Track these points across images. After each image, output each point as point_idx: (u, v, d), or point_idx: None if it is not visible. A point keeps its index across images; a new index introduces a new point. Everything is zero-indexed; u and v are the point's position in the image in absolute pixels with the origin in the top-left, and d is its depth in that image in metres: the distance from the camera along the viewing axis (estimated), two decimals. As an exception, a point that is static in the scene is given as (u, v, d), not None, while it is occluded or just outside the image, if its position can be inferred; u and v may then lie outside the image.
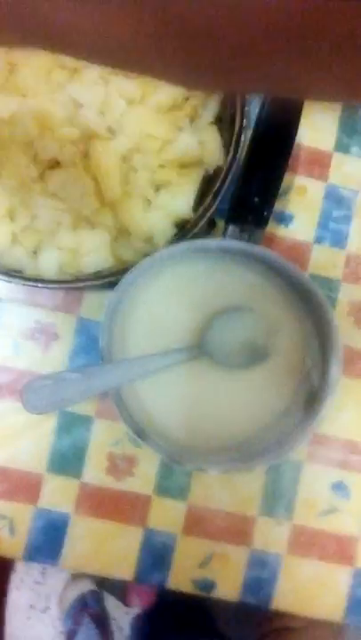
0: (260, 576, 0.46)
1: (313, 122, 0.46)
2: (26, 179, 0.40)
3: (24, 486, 0.45)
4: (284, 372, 0.42)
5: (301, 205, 0.47)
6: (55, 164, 0.41)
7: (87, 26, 0.20)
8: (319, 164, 0.47)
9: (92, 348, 0.46)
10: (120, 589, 1.03)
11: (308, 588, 0.46)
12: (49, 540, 0.45)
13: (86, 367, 0.37)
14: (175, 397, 0.41)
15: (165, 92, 0.41)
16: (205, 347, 0.40)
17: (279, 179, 0.40)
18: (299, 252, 0.47)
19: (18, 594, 1.07)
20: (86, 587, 1.04)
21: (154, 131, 0.40)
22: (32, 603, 1.10)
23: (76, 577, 1.05)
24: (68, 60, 0.39)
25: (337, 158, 0.47)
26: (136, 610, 1.02)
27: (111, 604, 1.06)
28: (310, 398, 0.40)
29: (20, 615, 1.08)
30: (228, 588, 0.46)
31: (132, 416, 0.38)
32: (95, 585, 1.04)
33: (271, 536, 0.46)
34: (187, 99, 0.42)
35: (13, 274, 0.40)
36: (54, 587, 1.08)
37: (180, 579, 0.46)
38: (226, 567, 0.46)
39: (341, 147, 0.47)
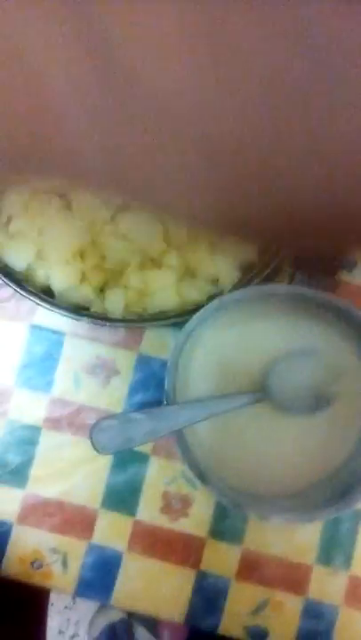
0: (316, 628, 0.45)
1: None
2: (98, 220, 0.41)
3: (78, 521, 0.45)
4: (349, 419, 0.41)
5: (366, 250, 0.47)
6: (126, 207, 0.42)
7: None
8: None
9: (151, 384, 0.46)
10: (150, 620, 1.02)
11: (364, 643, 0.45)
12: (100, 577, 0.45)
13: (152, 409, 0.37)
14: (237, 441, 0.41)
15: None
16: (269, 391, 0.40)
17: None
18: (362, 298, 0.46)
19: (47, 618, 1.07)
20: (117, 615, 1.02)
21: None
22: (61, 628, 1.09)
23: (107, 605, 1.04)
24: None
25: None
26: (166, 642, 1.00)
27: (141, 634, 1.04)
28: (376, 448, 0.39)
29: (50, 641, 1.07)
30: (281, 638, 0.45)
31: (194, 459, 0.38)
32: (125, 614, 1.02)
33: (328, 586, 0.45)
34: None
35: (81, 311, 0.41)
36: (84, 613, 1.07)
37: (232, 624, 0.45)
38: (280, 616, 0.45)
39: None
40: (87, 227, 0.41)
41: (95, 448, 0.36)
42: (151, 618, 1.04)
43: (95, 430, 0.36)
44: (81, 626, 1.08)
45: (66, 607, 1.09)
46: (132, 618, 1.03)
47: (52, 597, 1.05)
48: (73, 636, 1.10)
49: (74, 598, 1.04)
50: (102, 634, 1.03)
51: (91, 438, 0.36)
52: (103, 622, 1.04)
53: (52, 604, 1.07)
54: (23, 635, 0.80)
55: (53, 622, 1.08)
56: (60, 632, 1.10)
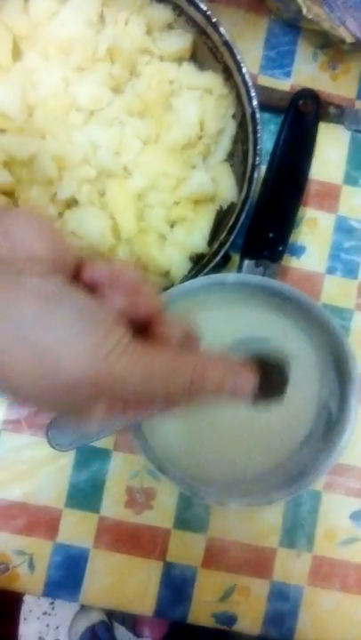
0: (282, 609, 0.45)
1: (322, 156, 0.48)
2: (45, 217, 0.41)
3: (43, 521, 0.45)
4: (302, 403, 0.42)
5: (313, 237, 0.48)
6: (73, 203, 0.42)
7: None
8: (329, 197, 0.48)
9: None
10: (130, 620, 1.02)
11: (330, 620, 0.46)
12: (68, 576, 0.45)
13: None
14: (194, 430, 0.42)
15: (179, 132, 0.42)
16: (223, 379, 0.41)
17: (294, 214, 0.41)
18: (311, 283, 0.47)
19: (26, 625, 1.05)
20: (96, 617, 1.02)
21: (168, 169, 0.41)
22: (41, 635, 1.08)
23: (86, 608, 1.03)
24: (85, 103, 0.41)
25: (346, 191, 0.48)
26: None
27: (121, 634, 1.04)
28: (329, 429, 0.40)
29: (30, 648, 1.06)
30: (250, 622, 0.46)
31: (153, 451, 0.39)
32: (105, 615, 1.02)
33: (292, 568, 0.46)
34: (200, 137, 0.43)
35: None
36: (63, 618, 1.06)
37: (201, 613, 0.45)
38: (247, 600, 0.45)
39: (350, 180, 0.48)
40: (34, 225, 0.41)
41: (52, 446, 0.35)
42: (131, 617, 1.05)
43: (51, 428, 0.36)
44: (61, 630, 1.07)
45: (45, 613, 1.07)
46: (111, 618, 1.03)
47: (30, 604, 1.04)
48: (53, 641, 1.09)
49: (45, 599, 1.03)
50: (83, 637, 1.03)
51: (47, 436, 0.36)
52: (83, 625, 1.03)
53: (31, 611, 1.06)
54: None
55: (32, 629, 1.06)
56: (40, 638, 1.08)
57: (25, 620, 1.05)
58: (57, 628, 1.08)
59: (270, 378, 0.29)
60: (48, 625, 1.07)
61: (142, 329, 0.26)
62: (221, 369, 0.26)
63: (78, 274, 0.26)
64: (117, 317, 0.24)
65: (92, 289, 0.26)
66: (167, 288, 0.40)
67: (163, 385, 0.24)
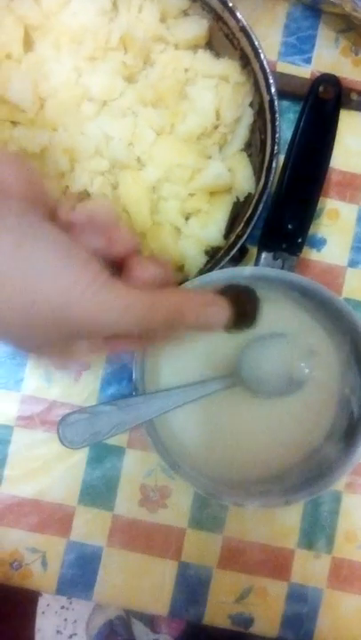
0: (300, 611, 0.44)
1: (344, 144, 0.46)
2: (57, 211, 0.40)
3: (56, 519, 0.44)
4: (322, 400, 0.41)
5: (334, 229, 0.46)
6: (86, 196, 0.41)
7: None
8: (351, 187, 0.46)
9: (123, 377, 0.45)
10: (148, 616, 1.02)
11: (349, 624, 0.45)
12: (81, 574, 0.44)
13: (120, 400, 0.36)
14: (210, 428, 0.41)
15: (194, 122, 0.41)
16: (240, 375, 0.40)
17: (313, 205, 0.39)
18: (332, 277, 0.46)
19: (44, 619, 1.06)
20: (114, 613, 1.02)
21: (183, 160, 0.40)
22: (59, 628, 1.08)
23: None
24: (97, 94, 0.40)
25: (369, 180, 0.46)
26: (164, 637, 1.00)
27: (139, 630, 1.04)
28: (351, 428, 0.39)
29: (47, 642, 1.06)
30: (267, 624, 0.44)
31: (166, 448, 0.38)
32: (123, 611, 1.02)
33: (311, 569, 0.44)
34: (216, 127, 0.42)
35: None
36: (81, 612, 1.07)
37: (217, 614, 0.44)
38: (264, 602, 0.44)
39: (373, 169, 0.46)
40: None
41: (63, 443, 0.35)
42: (149, 614, 1.05)
43: (62, 425, 0.35)
44: (79, 625, 1.08)
45: (62, 607, 1.08)
46: (129, 614, 1.03)
47: (48, 598, 1.04)
48: (71, 636, 1.09)
49: (62, 597, 1.03)
50: (100, 631, 1.03)
51: (58, 433, 0.35)
52: (101, 620, 1.03)
53: (48, 605, 1.07)
54: (12, 634, 0.79)
55: (50, 623, 1.07)
56: (58, 632, 1.09)
57: (43, 613, 1.06)
58: (75, 622, 1.08)
59: (244, 307, 0.31)
60: (66, 619, 1.07)
61: (118, 269, 0.27)
62: (197, 302, 0.28)
63: (55, 215, 0.27)
64: (93, 255, 0.25)
65: (67, 229, 0.26)
66: (182, 282, 0.39)
67: (141, 321, 0.25)
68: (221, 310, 0.29)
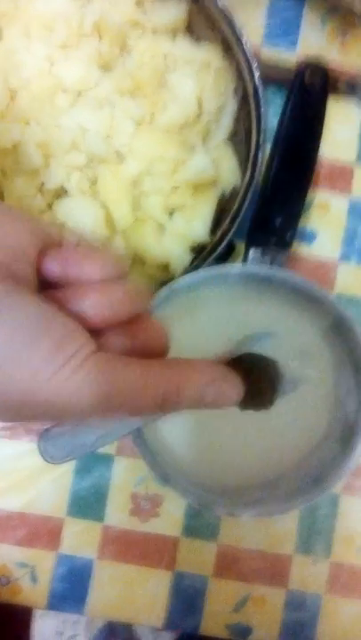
0: (299, 619, 0.43)
1: (332, 134, 0.44)
2: (33, 210, 0.38)
3: (44, 532, 0.43)
4: (317, 402, 0.39)
5: (324, 222, 0.44)
6: (62, 193, 0.38)
7: None
8: (341, 178, 0.44)
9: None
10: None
11: (350, 630, 0.43)
12: (73, 588, 0.43)
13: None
14: (201, 433, 0.39)
15: (175, 111, 0.38)
16: (230, 379, 0.38)
17: (302, 198, 0.37)
18: (324, 272, 0.44)
19: (43, 621, 1.05)
20: (113, 613, 1.01)
21: (165, 152, 0.38)
22: (59, 630, 1.07)
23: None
24: (72, 84, 0.37)
25: (360, 171, 0.44)
26: (166, 636, 0.99)
27: (140, 629, 1.03)
28: (346, 430, 0.37)
29: (47, 644, 1.05)
30: (266, 633, 0.43)
31: (155, 459, 0.36)
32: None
33: (309, 575, 0.43)
34: (198, 116, 0.40)
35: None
36: (80, 613, 1.05)
37: (214, 624, 0.43)
38: (262, 610, 0.43)
39: (364, 157, 0.44)
40: (22, 218, 0.38)
41: (45, 459, 0.33)
42: (143, 625, 1.03)
43: (43, 440, 0.33)
44: (80, 625, 1.07)
45: (62, 609, 1.07)
46: (129, 613, 1.02)
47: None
48: (72, 637, 1.08)
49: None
50: (101, 631, 1.02)
51: (39, 448, 0.33)
52: (102, 620, 1.02)
53: (47, 607, 1.05)
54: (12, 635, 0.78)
55: (49, 625, 1.06)
56: (58, 633, 1.08)
57: (42, 616, 1.04)
58: (75, 622, 1.07)
59: (259, 383, 0.27)
60: (64, 621, 1.06)
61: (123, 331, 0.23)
62: (201, 378, 0.23)
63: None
64: (79, 325, 0.21)
65: (58, 285, 0.22)
66: (166, 282, 0.37)
67: (129, 402, 0.21)
68: (232, 388, 0.24)
